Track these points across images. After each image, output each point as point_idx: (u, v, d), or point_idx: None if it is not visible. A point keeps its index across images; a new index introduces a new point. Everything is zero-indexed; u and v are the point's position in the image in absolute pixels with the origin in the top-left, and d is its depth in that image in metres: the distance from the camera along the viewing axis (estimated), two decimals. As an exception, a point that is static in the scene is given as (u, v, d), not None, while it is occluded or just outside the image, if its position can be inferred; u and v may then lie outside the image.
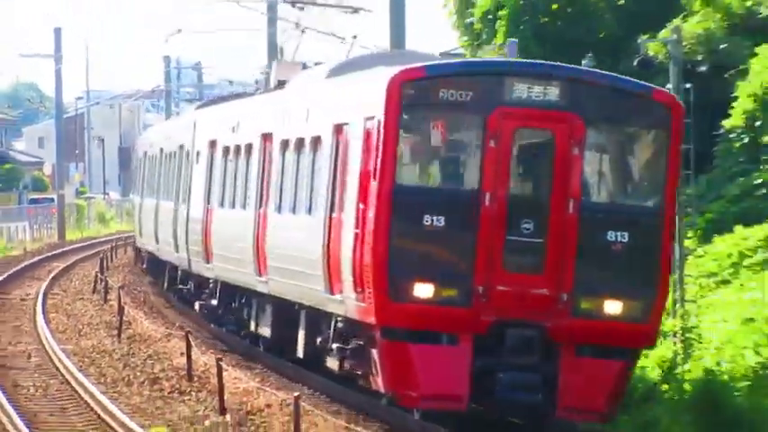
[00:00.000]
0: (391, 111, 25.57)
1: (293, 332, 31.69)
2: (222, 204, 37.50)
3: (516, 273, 25.91)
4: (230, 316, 37.51)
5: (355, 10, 71.27)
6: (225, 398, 31.78)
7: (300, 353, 31.34)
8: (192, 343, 34.76)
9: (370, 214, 25.63)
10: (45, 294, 57.12)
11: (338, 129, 28.16)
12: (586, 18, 57.67)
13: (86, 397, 33.41)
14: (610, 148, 28.03)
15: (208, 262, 38.12)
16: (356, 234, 26.01)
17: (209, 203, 38.96)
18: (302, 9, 68.96)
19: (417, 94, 26.05)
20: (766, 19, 51.22)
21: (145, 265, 64.37)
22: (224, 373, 32.43)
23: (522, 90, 26.17)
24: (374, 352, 26.23)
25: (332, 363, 29.48)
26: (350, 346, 27.69)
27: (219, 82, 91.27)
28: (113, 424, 29.89)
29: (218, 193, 37.57)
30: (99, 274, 62.63)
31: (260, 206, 33.49)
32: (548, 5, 59.81)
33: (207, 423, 30.46)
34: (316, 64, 38.12)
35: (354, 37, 60.97)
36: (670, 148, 27.52)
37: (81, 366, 37.97)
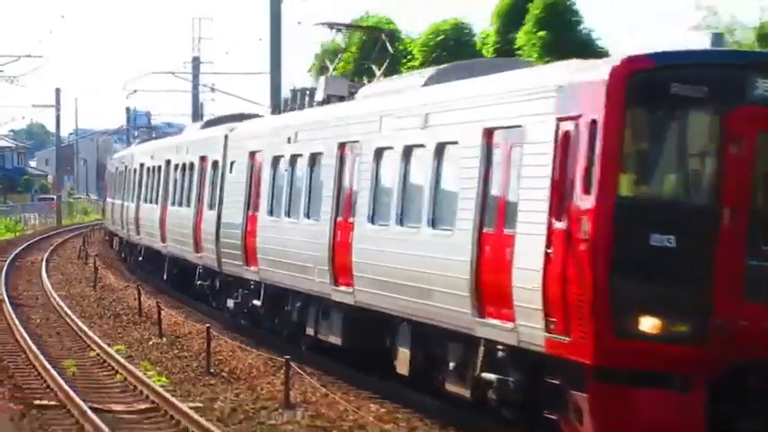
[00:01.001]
0: (614, 108, 19.31)
1: (378, 344, 26.52)
2: (272, 213, 32.52)
3: (761, 304, 19.35)
4: (275, 318, 33.11)
5: (212, 89, 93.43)
6: (162, 328, 36.73)
7: (405, 370, 24.83)
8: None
9: (583, 234, 19.28)
10: (47, 260, 65.12)
11: (488, 133, 21.73)
12: None
13: (72, 325, 38.54)
14: None
15: (249, 265, 33.62)
16: (548, 255, 19.75)
17: (252, 211, 34.08)
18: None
19: (644, 89, 19.60)
20: None
21: (117, 248, 67.70)
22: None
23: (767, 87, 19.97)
24: (578, 395, 19.51)
25: (459, 388, 22.70)
26: (513, 379, 20.87)
27: (162, 124, 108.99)
28: (90, 343, 34.63)
29: (267, 201, 32.72)
30: (82, 247, 71.12)
31: (339, 216, 27.92)
32: None
33: (150, 342, 35.24)
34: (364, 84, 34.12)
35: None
36: None
37: (69, 305, 43.36)
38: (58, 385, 27.22)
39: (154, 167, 49.56)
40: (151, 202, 49.52)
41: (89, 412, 23.81)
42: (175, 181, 44.77)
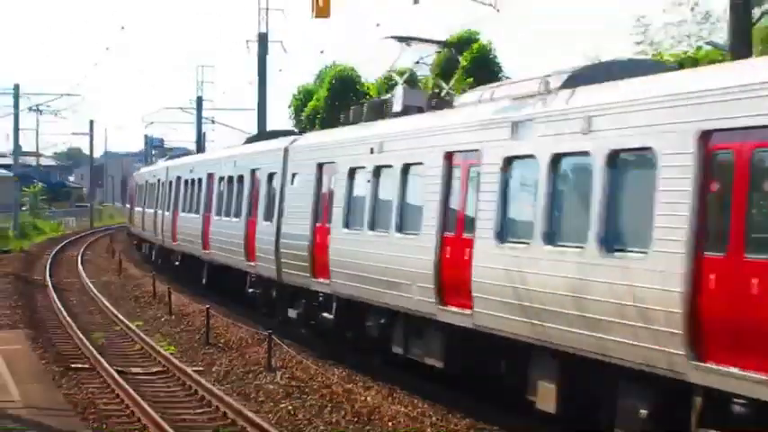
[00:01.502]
0: None
1: (494, 371, 19.70)
2: (349, 225, 25.01)
3: None
4: (348, 331, 26.02)
5: (212, 121, 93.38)
6: (172, 308, 36.26)
7: (550, 407, 17.46)
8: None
9: None
10: (83, 254, 63.84)
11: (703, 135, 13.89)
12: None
13: (101, 305, 38.27)
14: None
15: (317, 277, 26.41)
16: None
17: (322, 222, 26.78)
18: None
19: None
20: None
21: (146, 251, 59.87)
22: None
23: None
24: None
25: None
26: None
27: (173, 148, 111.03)
28: (115, 319, 34.45)
29: (342, 213, 25.34)
30: (110, 243, 70.98)
31: (449, 230, 20.51)
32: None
33: (163, 319, 34.99)
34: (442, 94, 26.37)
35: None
36: None
37: (99, 290, 42.97)
38: (89, 352, 27.29)
39: (193, 180, 43.37)
40: (191, 211, 43.07)
41: (114, 373, 23.91)
42: (221, 193, 38.25)
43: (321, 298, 27.17)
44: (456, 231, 20.38)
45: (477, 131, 19.83)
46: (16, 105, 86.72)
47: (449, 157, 20.84)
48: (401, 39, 27.01)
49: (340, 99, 58.67)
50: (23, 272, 51.93)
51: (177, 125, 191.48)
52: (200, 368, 25.65)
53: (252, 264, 32.80)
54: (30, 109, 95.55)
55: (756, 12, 27.04)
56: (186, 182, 45.06)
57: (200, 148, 70.24)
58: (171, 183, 48.64)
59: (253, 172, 34.09)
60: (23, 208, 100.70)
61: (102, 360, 25.65)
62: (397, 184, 22.78)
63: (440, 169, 20.90)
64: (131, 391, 21.81)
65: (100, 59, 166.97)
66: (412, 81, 55.30)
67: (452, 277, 20.17)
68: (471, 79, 46.48)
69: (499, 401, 19.97)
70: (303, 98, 64.30)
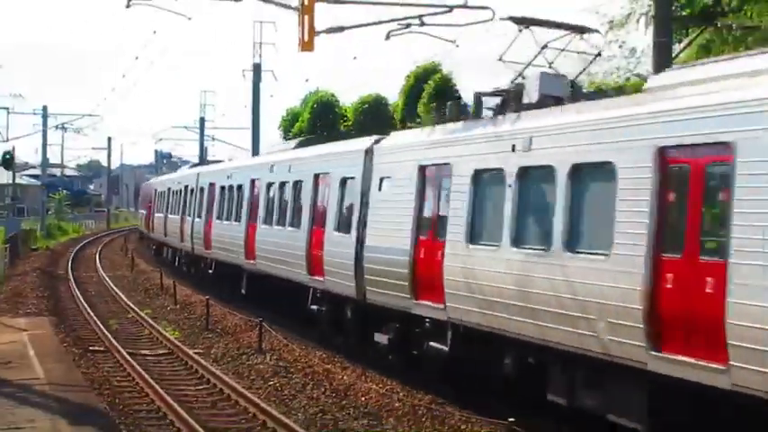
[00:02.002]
0: None
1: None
2: (479, 240, 17.88)
3: None
4: (468, 365, 18.96)
5: (213, 138, 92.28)
6: (177, 298, 36.05)
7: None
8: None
9: None
10: (100, 252, 63.55)
11: None
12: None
13: (116, 296, 38.15)
14: None
15: (424, 299, 19.57)
16: None
17: (427, 236, 19.76)
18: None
19: None
20: None
21: (168, 256, 52.43)
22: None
23: None
24: None
25: None
26: None
27: (179, 161, 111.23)
28: (127, 308, 34.25)
29: (465, 225, 18.19)
30: (124, 243, 70.67)
31: (669, 251, 13.11)
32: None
33: (169, 308, 34.69)
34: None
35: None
36: None
37: (114, 283, 42.69)
38: (105, 336, 27.18)
39: (231, 186, 36.04)
40: (229, 219, 35.61)
41: (126, 355, 23.85)
42: (269, 200, 30.89)
43: (428, 324, 19.69)
44: (685, 252, 12.96)
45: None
46: (44, 124, 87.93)
47: (663, 154, 13.46)
48: (520, 21, 19.29)
49: (321, 121, 58.59)
50: (48, 267, 51.70)
51: (183, 141, 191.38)
52: (201, 350, 25.51)
53: (318, 279, 25.31)
54: (56, 127, 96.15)
55: (676, 47, 27.31)
56: (223, 188, 37.41)
57: (203, 161, 70.03)
58: (203, 189, 41.37)
59: (317, 177, 26.68)
60: (49, 212, 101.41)
61: (116, 343, 25.61)
62: (562, 190, 15.47)
63: (647, 171, 13.67)
64: (141, 370, 21.79)
65: (117, 85, 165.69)
66: (383, 103, 55.41)
67: (680, 313, 12.86)
68: (435, 104, 46.36)
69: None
70: (291, 120, 64.10)
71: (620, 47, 36.92)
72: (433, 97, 47.16)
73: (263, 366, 23.14)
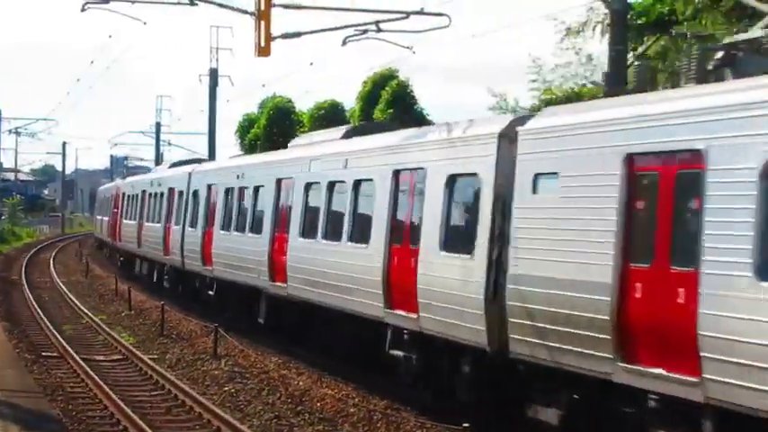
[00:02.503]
0: None
1: None
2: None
3: None
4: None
5: (169, 144, 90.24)
6: (131, 304, 35.55)
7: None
8: None
9: None
10: (54, 257, 63.00)
11: None
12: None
13: (70, 301, 37.66)
14: None
15: (637, 362, 12.33)
16: None
17: (651, 263, 12.11)
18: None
19: None
20: None
21: (140, 270, 44.93)
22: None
23: None
24: None
25: None
26: None
27: (134, 166, 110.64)
28: (81, 313, 33.86)
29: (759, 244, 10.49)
30: (79, 248, 69.66)
31: None
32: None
33: (123, 314, 34.43)
34: None
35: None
36: None
37: (68, 288, 42.30)
38: (59, 342, 26.96)
39: (242, 189, 29.06)
40: (237, 230, 28.82)
41: (80, 360, 23.65)
42: (307, 205, 23.65)
43: (655, 404, 12.35)
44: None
45: None
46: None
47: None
48: None
49: (277, 127, 58.38)
50: (2, 272, 51.08)
51: (139, 146, 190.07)
52: (155, 356, 25.38)
53: (405, 315, 17.99)
54: (10, 131, 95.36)
55: (630, 56, 27.60)
56: (230, 191, 30.39)
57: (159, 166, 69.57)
58: (196, 192, 34.43)
59: (397, 175, 18.87)
60: (3, 217, 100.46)
61: (70, 349, 25.32)
62: None
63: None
64: (94, 375, 21.60)
65: (71, 89, 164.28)
66: (339, 109, 55.36)
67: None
68: (392, 110, 46.55)
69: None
70: (246, 125, 63.84)
71: (577, 53, 37.26)
72: (390, 103, 47.21)
73: (218, 372, 22.98)
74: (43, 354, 25.21)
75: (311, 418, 18.12)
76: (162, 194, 39.52)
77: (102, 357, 25.31)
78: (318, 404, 19.21)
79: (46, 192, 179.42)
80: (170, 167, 42.73)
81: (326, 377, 22.02)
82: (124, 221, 48.74)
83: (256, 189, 27.81)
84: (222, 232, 30.29)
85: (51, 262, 58.65)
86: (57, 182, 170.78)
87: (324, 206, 22.26)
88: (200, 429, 17.49)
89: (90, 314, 33.22)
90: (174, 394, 20.40)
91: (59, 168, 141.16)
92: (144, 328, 31.16)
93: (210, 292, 31.90)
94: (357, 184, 20.51)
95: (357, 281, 19.63)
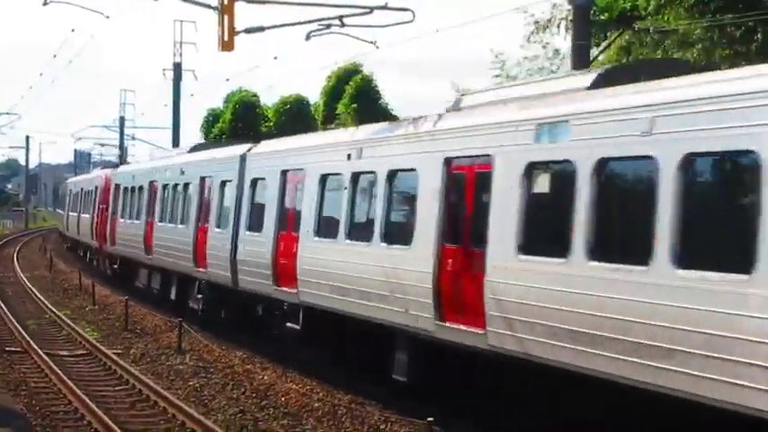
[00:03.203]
0: None
1: None
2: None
3: None
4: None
5: (132, 138, 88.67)
6: (95, 299, 35.84)
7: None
8: None
9: None
10: (18, 251, 63.27)
11: None
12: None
13: (34, 296, 37.73)
14: None
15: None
16: None
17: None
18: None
19: None
20: None
21: (114, 269, 41.70)
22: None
23: None
24: None
25: None
26: None
27: (99, 161, 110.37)
28: (45, 308, 33.89)
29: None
30: (42, 243, 69.80)
31: None
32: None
33: (88, 309, 34.48)
34: None
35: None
36: None
37: (32, 284, 42.19)
38: (22, 337, 26.82)
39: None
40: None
41: (43, 355, 23.56)
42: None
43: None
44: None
45: None
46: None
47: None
48: None
49: (242, 121, 58.30)
50: (-35, 267, 50.92)
51: (103, 140, 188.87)
52: (120, 351, 25.26)
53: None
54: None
55: (594, 51, 27.79)
56: (324, 179, 21.03)
57: (122, 161, 69.20)
58: (189, 185, 30.14)
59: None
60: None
61: (34, 344, 25.23)
62: None
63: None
64: (58, 370, 21.52)
65: (35, 83, 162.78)
66: (304, 103, 55.17)
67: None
68: (356, 104, 46.50)
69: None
70: (212, 120, 63.69)
71: (544, 48, 37.36)
72: (354, 98, 47.21)
73: (182, 367, 22.96)
74: (7, 349, 25.05)
75: (276, 412, 18.10)
76: (187, 185, 30.58)
77: (66, 352, 25.19)
78: (283, 399, 19.19)
79: (9, 186, 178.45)
80: (190, 152, 33.47)
81: (290, 372, 22.02)
82: (120, 221, 39.88)
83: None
84: (316, 239, 20.86)
85: (15, 257, 58.40)
86: (20, 176, 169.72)
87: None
88: (165, 424, 17.42)
89: (54, 309, 33.15)
90: (138, 389, 20.34)
91: (23, 163, 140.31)
92: (108, 322, 31.02)
93: (292, 325, 22.09)
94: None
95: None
